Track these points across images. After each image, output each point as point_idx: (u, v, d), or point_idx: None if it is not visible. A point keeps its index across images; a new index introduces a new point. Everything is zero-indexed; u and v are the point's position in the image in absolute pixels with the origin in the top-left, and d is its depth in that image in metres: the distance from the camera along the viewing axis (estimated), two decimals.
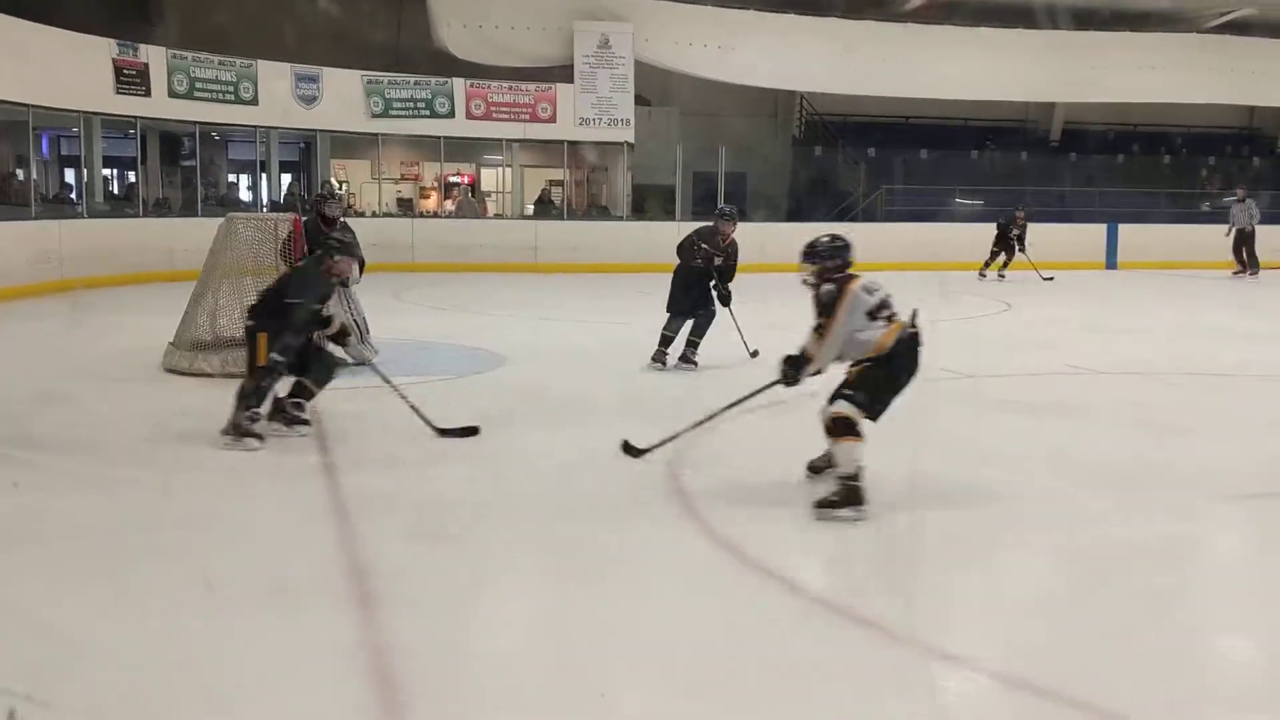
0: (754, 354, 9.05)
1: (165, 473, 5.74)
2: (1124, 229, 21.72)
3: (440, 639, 3.62)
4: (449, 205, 21.80)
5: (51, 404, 7.42)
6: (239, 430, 6.18)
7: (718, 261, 8.99)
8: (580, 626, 3.78)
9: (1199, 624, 4.00)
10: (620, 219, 21.22)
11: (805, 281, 5.30)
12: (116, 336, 10.39)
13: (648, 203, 22.05)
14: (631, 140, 20.83)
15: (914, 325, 5.14)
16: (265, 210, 19.02)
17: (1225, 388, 8.62)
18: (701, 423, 5.72)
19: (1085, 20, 23.03)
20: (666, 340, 8.97)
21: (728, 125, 22.87)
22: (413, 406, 6.46)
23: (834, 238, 5.41)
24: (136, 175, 18.50)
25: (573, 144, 20.90)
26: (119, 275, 15.36)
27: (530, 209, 21.88)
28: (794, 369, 5.36)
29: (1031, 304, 14.85)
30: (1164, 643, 3.73)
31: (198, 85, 17.73)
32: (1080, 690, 3.26)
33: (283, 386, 6.45)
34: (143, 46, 16.92)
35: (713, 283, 8.98)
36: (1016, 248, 18.03)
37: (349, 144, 20.82)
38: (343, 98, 19.25)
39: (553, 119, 20.36)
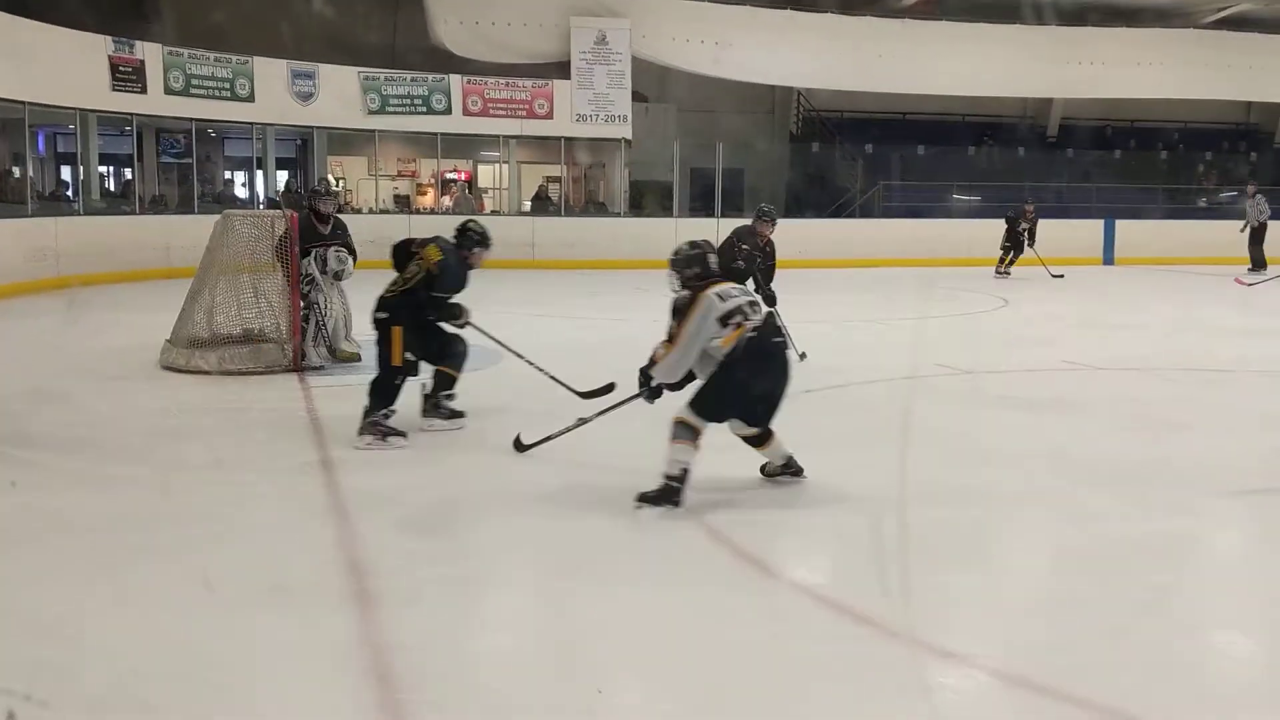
0: (803, 356, 8.75)
1: (163, 471, 5.73)
2: (1121, 225, 21.73)
3: (439, 636, 3.62)
4: (446, 202, 21.77)
5: (49, 402, 7.40)
6: (379, 430, 6.15)
7: (757, 262, 8.80)
8: (578, 623, 3.78)
9: (1198, 621, 4.00)
10: (618, 215, 21.21)
11: (671, 288, 5.31)
12: (113, 334, 10.38)
13: (645, 199, 22.04)
14: (629, 137, 20.82)
15: (759, 331, 5.06)
16: (262, 207, 19.00)
17: (1223, 383, 8.62)
18: (573, 428, 5.64)
19: (1082, 16, 23.04)
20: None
21: (725, 122, 22.84)
22: (551, 376, 6.69)
23: (693, 244, 5.37)
24: (133, 172, 18.47)
25: (570, 140, 20.89)
26: (115, 272, 15.34)
27: (527, 205, 21.86)
28: (645, 380, 5.36)
29: (1029, 300, 14.86)
30: (1163, 640, 3.73)
31: (194, 82, 17.70)
32: (1079, 688, 3.26)
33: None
34: (139, 43, 16.89)
35: (752, 283, 8.57)
36: (1026, 243, 17.84)
37: (346, 140, 20.79)
38: (339, 94, 19.23)
39: (550, 115, 20.34)
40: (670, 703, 3.22)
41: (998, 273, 17.98)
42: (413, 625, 3.69)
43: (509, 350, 6.93)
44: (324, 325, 8.56)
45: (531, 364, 6.89)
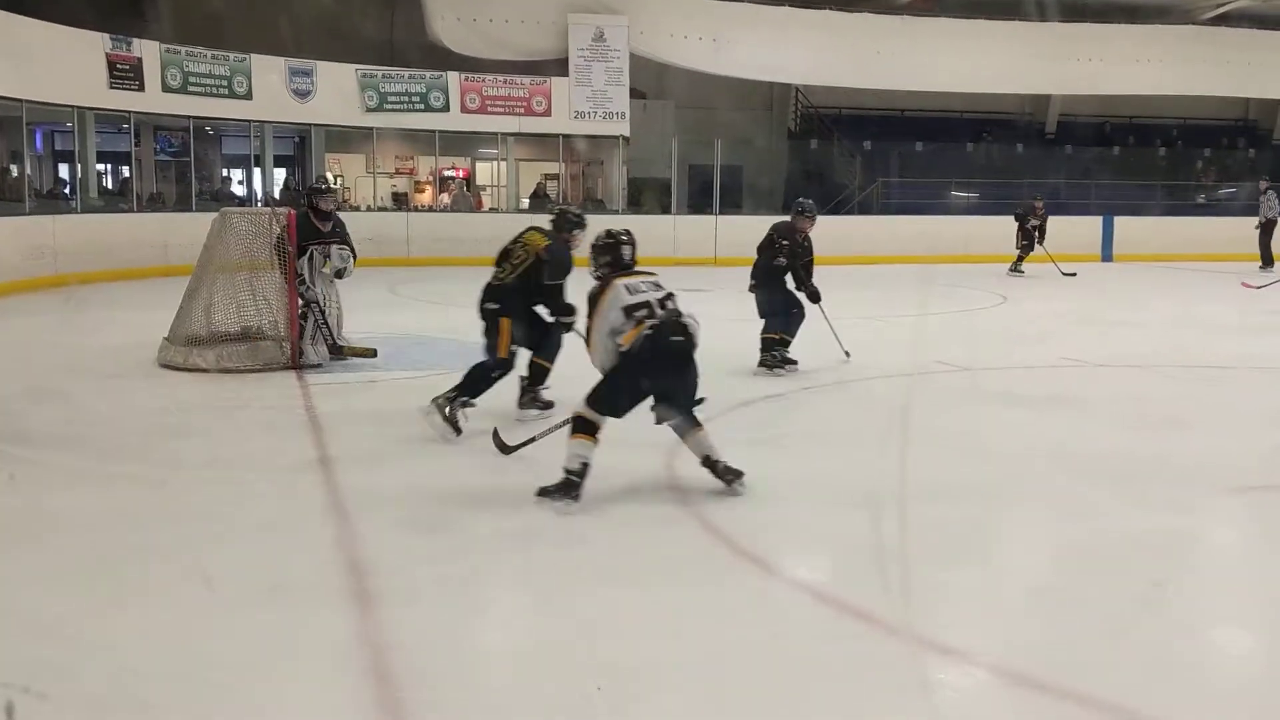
0: (847, 355, 8.75)
1: (161, 469, 5.72)
2: (1120, 221, 21.72)
3: (438, 635, 3.61)
4: (444, 199, 21.76)
5: (47, 400, 7.39)
6: (448, 415, 6.23)
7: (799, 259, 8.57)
8: (577, 622, 3.78)
9: (1198, 618, 4.00)
10: (616, 212, 21.17)
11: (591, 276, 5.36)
12: (111, 332, 10.36)
13: (643, 196, 22.02)
14: (627, 134, 20.80)
15: (657, 329, 5.03)
16: (260, 205, 18.98)
17: (1222, 380, 8.62)
18: (559, 427, 5.61)
19: (1080, 12, 23.02)
20: (782, 343, 8.45)
21: (723, 118, 22.82)
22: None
23: (609, 234, 5.39)
24: (131, 170, 18.44)
25: (568, 138, 20.87)
26: (113, 270, 15.32)
27: (526, 203, 21.84)
28: None
29: (1028, 297, 14.85)
30: (1163, 637, 3.73)
31: (191, 79, 17.67)
32: (1079, 684, 3.26)
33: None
34: (136, 41, 16.86)
35: (791, 280, 8.54)
36: (1036, 239, 17.58)
37: (344, 138, 20.78)
38: (337, 92, 19.20)
39: (548, 113, 20.32)
40: (670, 701, 3.22)
41: (1011, 270, 17.70)
42: (412, 624, 3.68)
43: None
44: (322, 323, 8.53)
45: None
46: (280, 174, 21.66)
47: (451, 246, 18.59)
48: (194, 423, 6.86)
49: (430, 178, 22.04)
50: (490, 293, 6.56)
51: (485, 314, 6.54)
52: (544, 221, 6.96)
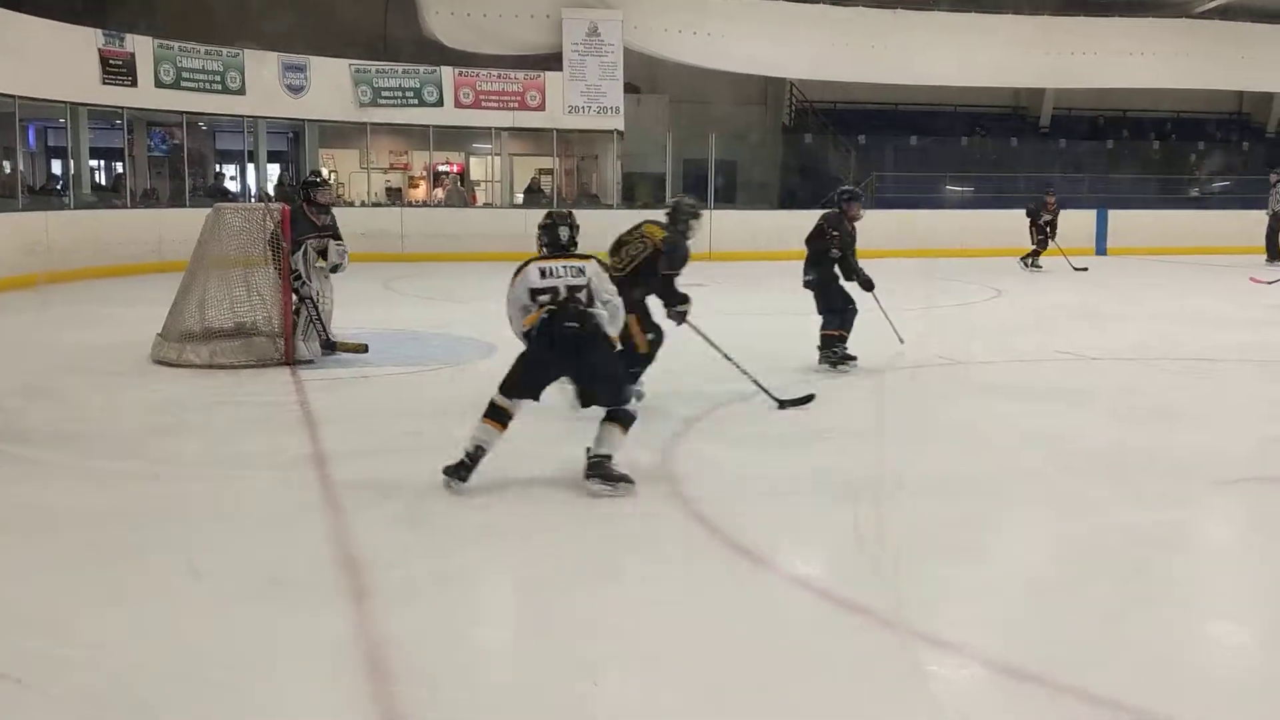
0: (901, 341, 8.82)
1: (155, 465, 5.71)
2: (1114, 215, 21.75)
3: (434, 631, 3.61)
4: (438, 194, 21.74)
5: (40, 397, 7.38)
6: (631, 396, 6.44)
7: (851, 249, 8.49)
8: (573, 616, 3.77)
9: (1194, 611, 4.00)
10: (610, 207, 21.18)
11: None
12: (105, 328, 10.35)
13: (638, 191, 22.02)
14: (621, 128, 20.79)
15: (553, 314, 5.07)
16: (254, 200, 18.94)
17: (1217, 373, 8.63)
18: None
19: (1075, 5, 23.04)
20: (840, 339, 8.31)
21: (717, 113, 22.84)
22: (754, 380, 6.77)
23: (548, 215, 5.47)
24: (124, 166, 18.41)
25: (562, 132, 20.85)
26: (107, 267, 15.30)
27: (520, 198, 21.83)
28: None
29: (1023, 290, 14.87)
30: (1158, 630, 3.73)
31: (184, 75, 17.63)
32: (1075, 677, 3.26)
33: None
34: (129, 36, 16.83)
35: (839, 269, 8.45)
36: (1049, 235, 17.47)
37: (337, 133, 20.75)
38: (331, 87, 19.16)
39: (542, 107, 20.30)
40: (666, 695, 3.22)
41: (1028, 266, 17.56)
42: (408, 620, 3.68)
43: (715, 348, 6.94)
44: (316, 319, 8.52)
45: (737, 366, 6.91)
46: (274, 170, 21.62)
47: (446, 242, 18.59)
48: (188, 419, 6.84)
49: (424, 173, 22.02)
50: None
51: None
52: (632, 216, 7.07)
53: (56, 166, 19.84)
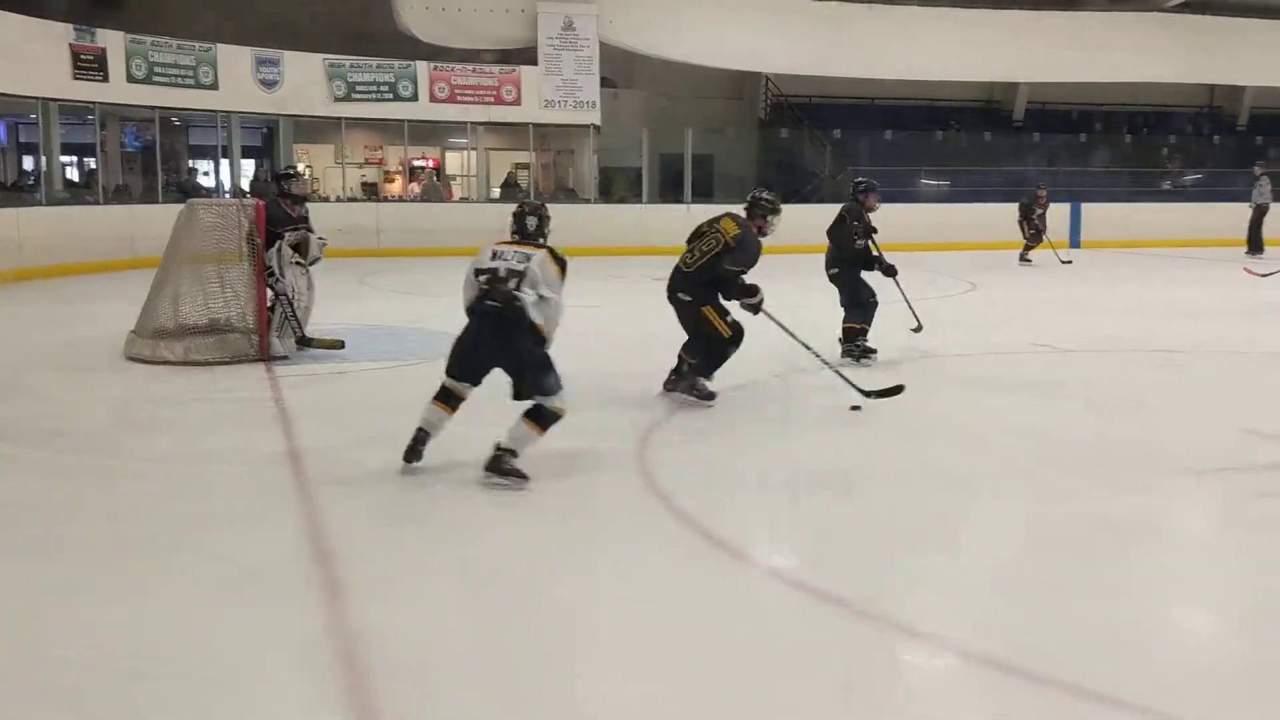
0: (919, 328, 8.93)
1: (130, 461, 5.69)
2: (1087, 208, 21.87)
3: (411, 626, 3.61)
4: (414, 189, 21.66)
5: (14, 393, 7.33)
6: (698, 391, 6.78)
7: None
8: (549, 610, 3.78)
9: (1164, 599, 4.05)
10: (587, 202, 21.17)
11: None
12: (78, 325, 10.27)
13: (614, 185, 22.00)
14: (597, 123, 20.77)
15: (483, 293, 5.17)
16: (228, 196, 18.83)
17: (1188, 364, 8.70)
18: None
19: (1048, 0, 23.14)
20: (863, 333, 8.39)
21: (694, 107, 22.83)
22: (838, 372, 6.81)
23: (521, 203, 5.64)
24: (96, 162, 18.26)
25: (538, 127, 20.82)
26: (79, 263, 15.18)
27: (496, 192, 21.78)
28: None
29: (997, 283, 14.94)
30: (1130, 618, 3.76)
31: (156, 70, 17.48)
32: (1047, 667, 3.29)
33: None
34: (100, 31, 16.67)
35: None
36: (1041, 229, 17.68)
37: (312, 128, 20.62)
38: (304, 81, 19.06)
39: (517, 101, 20.25)
40: (641, 687, 3.23)
41: (1022, 260, 17.69)
42: (384, 615, 3.67)
43: (795, 339, 6.92)
44: (291, 315, 8.48)
45: (819, 357, 6.92)
46: (248, 165, 21.49)
47: (422, 237, 18.53)
48: (162, 415, 6.80)
49: (400, 168, 21.93)
50: (680, 282, 6.84)
51: (679, 304, 6.82)
52: (721, 210, 7.18)
53: (28, 163, 19.64)
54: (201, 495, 5.11)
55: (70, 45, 16.24)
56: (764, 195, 7.15)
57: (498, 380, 5.25)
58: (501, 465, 5.02)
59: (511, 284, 5.13)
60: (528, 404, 5.17)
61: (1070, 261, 17.48)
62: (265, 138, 21.67)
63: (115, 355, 8.43)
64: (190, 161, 21.11)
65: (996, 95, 25.82)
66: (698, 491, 5.11)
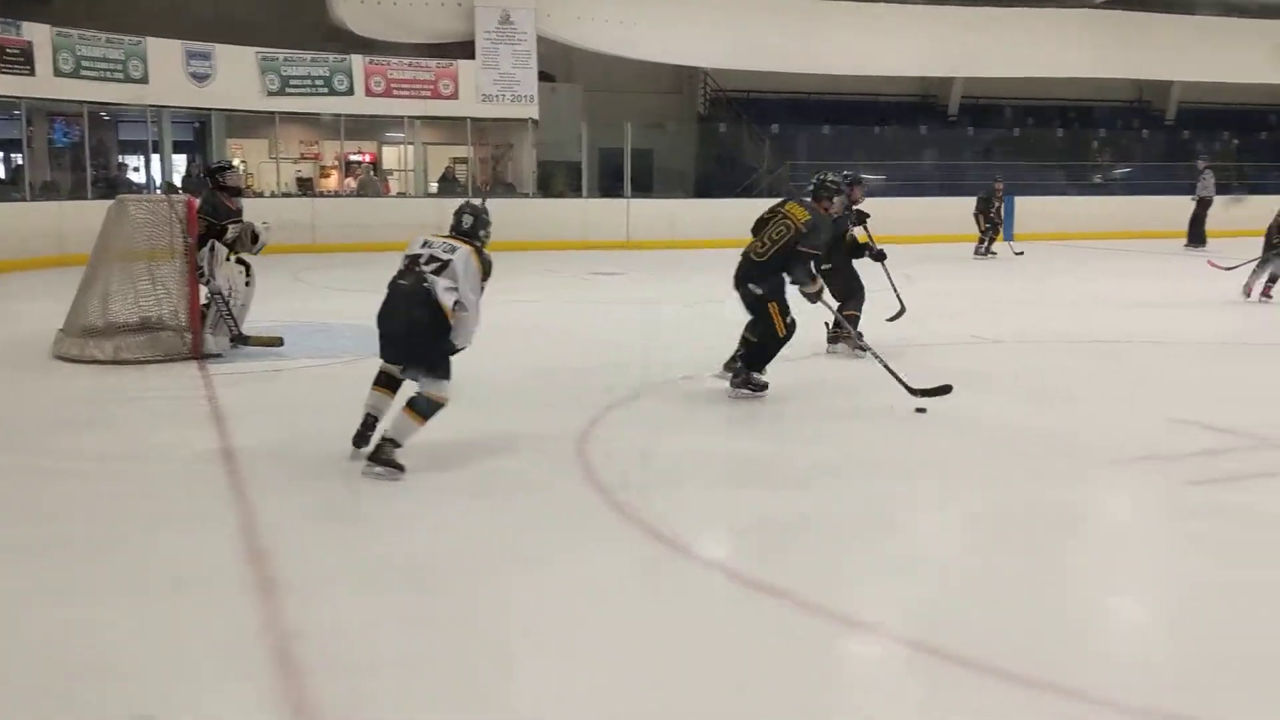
0: (900, 313, 9.03)
1: (61, 461, 5.56)
2: (1020, 201, 22.13)
3: (347, 624, 3.57)
4: (350, 184, 21.42)
5: None
6: (752, 384, 6.83)
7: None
8: (487, 608, 3.76)
9: (1099, 588, 4.11)
10: (526, 196, 21.08)
11: None
12: (4, 324, 10.06)
13: (554, 180, 21.93)
14: (536, 117, 20.67)
15: (401, 277, 5.25)
16: (159, 192, 18.51)
17: (1118, 354, 8.86)
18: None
19: None
20: (856, 320, 8.35)
21: (633, 101, 22.80)
22: (888, 368, 6.70)
23: (465, 201, 5.68)
24: (23, 158, 17.85)
25: (476, 121, 20.69)
26: (6, 261, 14.83)
27: (434, 187, 21.61)
28: None
29: (933, 275, 15.07)
30: (1061, 605, 3.82)
31: (84, 63, 17.10)
32: (980, 653, 3.33)
33: None
34: (26, 24, 16.28)
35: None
36: (998, 222, 17.98)
37: (245, 123, 20.33)
38: (237, 75, 18.74)
39: (455, 96, 20.11)
40: (581, 683, 3.22)
41: (980, 253, 17.98)
42: (320, 613, 3.63)
43: (854, 336, 6.90)
44: (226, 313, 8.35)
45: (875, 356, 6.90)
46: (180, 160, 21.12)
47: (359, 233, 18.32)
48: (93, 415, 6.67)
49: (336, 162, 21.69)
50: (751, 271, 6.76)
51: (748, 295, 6.76)
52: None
53: None
54: (134, 495, 5.02)
55: None
56: (829, 178, 7.19)
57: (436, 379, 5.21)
58: (382, 455, 5.05)
59: (430, 268, 5.17)
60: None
61: (1023, 253, 17.82)
62: (197, 132, 21.32)
63: (43, 354, 8.24)
64: (120, 157, 20.69)
65: (932, 90, 26.10)
66: (638, 485, 5.11)
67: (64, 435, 6.14)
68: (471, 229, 5.43)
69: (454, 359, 5.36)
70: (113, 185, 17.93)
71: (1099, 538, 4.71)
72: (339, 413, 5.84)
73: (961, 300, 12.50)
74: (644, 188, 21.65)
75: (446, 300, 5.13)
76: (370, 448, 5.17)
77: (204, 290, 8.29)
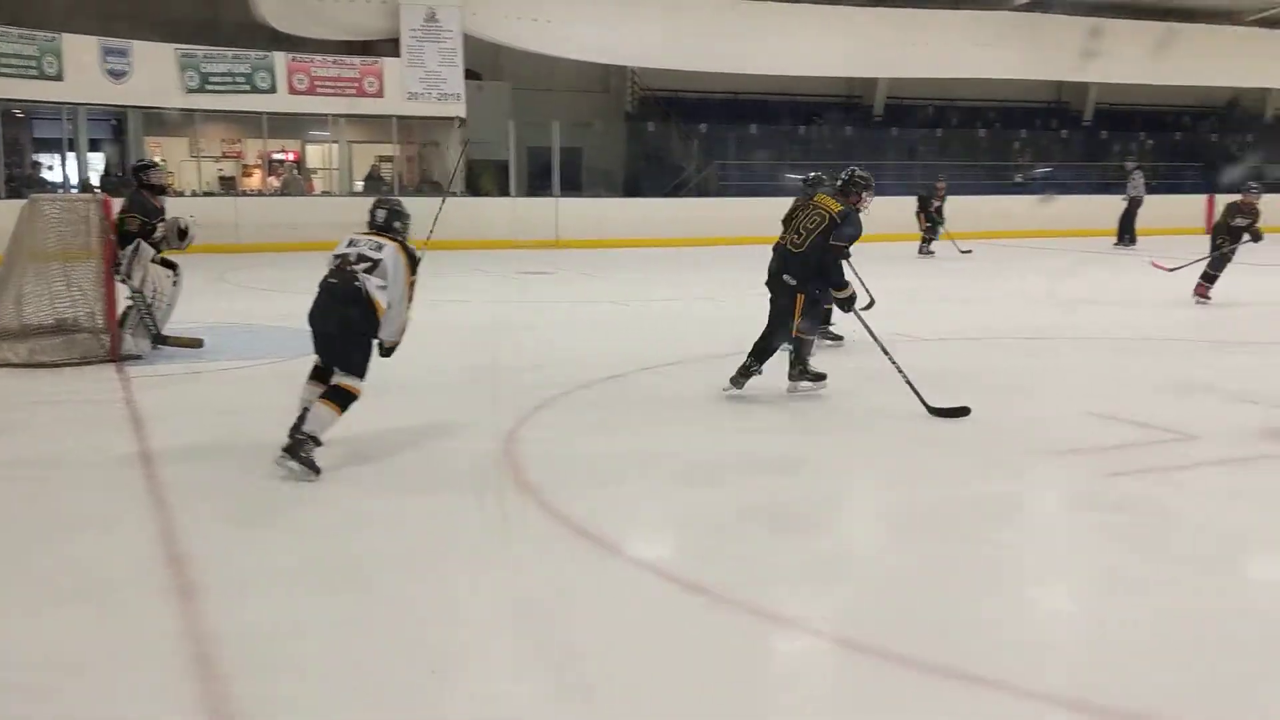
0: (870, 305, 9.00)
1: None
2: (946, 201, 22.47)
3: (267, 627, 3.50)
4: (274, 183, 21.13)
5: None
6: (810, 375, 6.91)
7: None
8: (412, 608, 3.71)
9: (1025, 578, 4.16)
10: (454, 194, 20.91)
11: None
12: None
13: (482, 179, 21.81)
14: (463, 115, 20.53)
15: (332, 276, 5.27)
16: (76, 191, 18.09)
17: (1043, 351, 9.02)
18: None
19: None
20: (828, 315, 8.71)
21: (561, 100, 22.77)
22: (908, 381, 6.52)
23: (377, 199, 5.69)
24: None
25: (402, 119, 20.50)
26: None
27: (360, 185, 21.38)
28: None
29: (864, 275, 15.22)
30: (992, 597, 3.86)
31: None
32: (912, 647, 3.36)
33: None
34: None
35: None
36: (939, 220, 18.21)
37: (164, 121, 19.95)
38: (155, 72, 18.39)
39: (380, 94, 19.91)
40: (507, 682, 3.19)
41: (921, 252, 18.17)
42: (240, 617, 3.57)
43: (880, 345, 6.80)
44: (146, 314, 8.18)
45: (897, 366, 6.71)
46: (97, 158, 20.65)
47: (283, 232, 18.07)
48: (6, 418, 6.49)
49: (259, 161, 21.36)
50: (791, 263, 6.75)
51: (782, 288, 6.74)
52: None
53: None
54: (51, 499, 4.89)
55: None
56: (859, 172, 7.20)
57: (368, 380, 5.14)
58: (301, 451, 5.00)
59: (361, 267, 5.19)
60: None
61: (970, 251, 18.07)
62: (114, 130, 20.87)
63: None
64: (34, 155, 20.19)
65: (857, 90, 26.37)
66: (566, 484, 5.09)
67: None
68: (386, 222, 5.43)
69: (384, 360, 5.36)
70: (27, 184, 17.49)
71: (1021, 530, 4.77)
72: (260, 415, 5.76)
73: (890, 299, 12.57)
74: (573, 186, 21.61)
75: (380, 299, 5.17)
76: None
77: (125, 291, 8.12)
